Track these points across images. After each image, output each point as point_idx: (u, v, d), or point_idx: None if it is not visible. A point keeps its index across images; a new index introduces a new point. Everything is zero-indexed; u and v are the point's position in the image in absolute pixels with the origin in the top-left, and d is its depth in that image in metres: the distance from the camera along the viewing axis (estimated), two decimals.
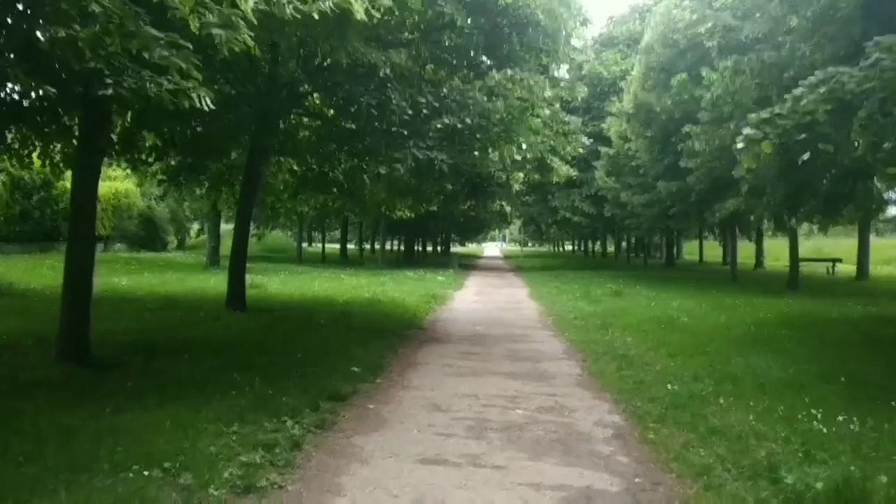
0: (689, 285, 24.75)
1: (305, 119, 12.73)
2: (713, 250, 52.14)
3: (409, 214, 17.81)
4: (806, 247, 55.75)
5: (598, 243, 61.86)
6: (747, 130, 8.65)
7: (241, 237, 13.69)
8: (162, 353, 8.74)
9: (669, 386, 8.10)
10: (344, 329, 11.81)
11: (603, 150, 31.74)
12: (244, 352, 9.26)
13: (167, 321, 11.94)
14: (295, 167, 13.73)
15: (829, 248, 53.34)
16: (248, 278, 20.59)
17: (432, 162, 9.15)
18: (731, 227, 28.74)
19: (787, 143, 8.89)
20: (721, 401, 7.25)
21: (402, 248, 47.71)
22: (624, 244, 62.27)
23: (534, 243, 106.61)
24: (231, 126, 12.21)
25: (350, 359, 9.28)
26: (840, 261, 34.88)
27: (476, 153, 10.48)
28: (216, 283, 18.79)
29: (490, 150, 10.77)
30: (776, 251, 49.42)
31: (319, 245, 69.57)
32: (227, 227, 53.27)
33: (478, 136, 10.13)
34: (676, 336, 12.09)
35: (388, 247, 54.81)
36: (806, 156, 8.81)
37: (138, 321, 11.73)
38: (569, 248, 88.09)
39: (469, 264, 45.69)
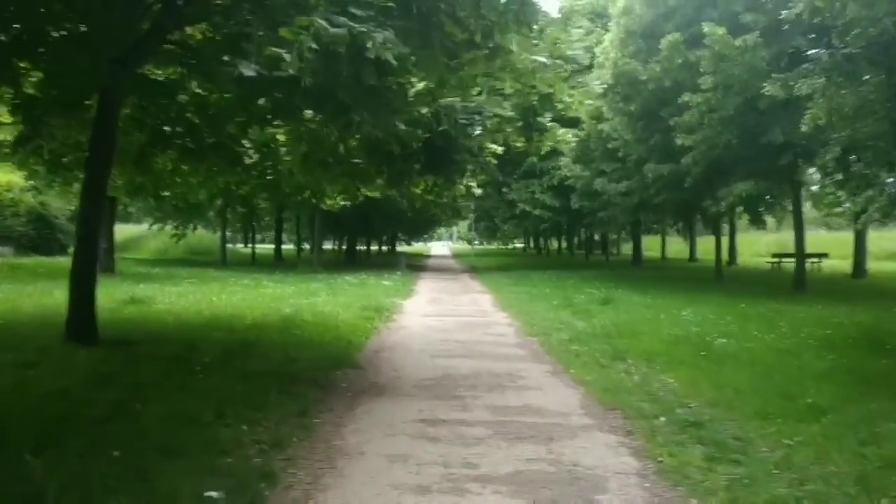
0: (677, 287, 21.07)
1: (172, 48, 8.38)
2: (662, 246, 48.96)
3: (340, 203, 13.48)
4: (768, 242, 53.69)
5: (557, 240, 58.36)
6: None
7: (87, 234, 9.22)
8: None
9: None
10: (233, 377, 7.50)
11: (571, 131, 27.81)
12: (14, 444, 4.90)
13: None
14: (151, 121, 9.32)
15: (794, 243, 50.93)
16: (137, 289, 16.08)
17: (359, 45, 4.61)
18: (718, 220, 25.13)
19: None
20: None
21: (344, 248, 43.14)
22: (575, 241, 58.99)
23: (482, 241, 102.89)
24: (73, 70, 7.91)
25: (216, 454, 5.00)
26: (827, 255, 31.85)
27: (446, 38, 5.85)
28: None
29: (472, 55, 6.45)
30: (708, 247, 46.55)
31: (260, 246, 64.65)
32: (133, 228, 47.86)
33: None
34: (735, 373, 8.21)
35: (327, 247, 50.20)
36: None
37: None
38: (520, 245, 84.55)
39: (418, 265, 41.44)
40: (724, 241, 45.27)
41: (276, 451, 5.19)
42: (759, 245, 52.25)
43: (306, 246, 58.13)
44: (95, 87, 8.76)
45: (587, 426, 6.17)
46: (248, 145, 11.38)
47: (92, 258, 9.30)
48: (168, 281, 19.55)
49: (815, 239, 48.37)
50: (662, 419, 6.32)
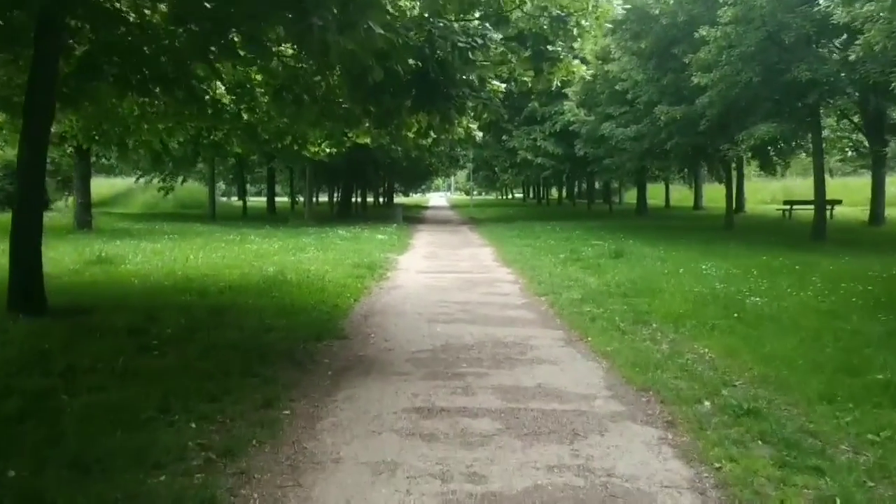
0: (689, 238, 19.84)
1: None
2: (666, 194, 47.51)
3: (325, 150, 12.16)
4: (774, 189, 52.35)
5: (558, 190, 57.00)
6: None
7: (28, 187, 7.97)
8: None
9: None
10: (193, 354, 6.37)
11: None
12: None
13: None
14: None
15: (801, 189, 49.80)
16: (109, 247, 14.88)
17: None
18: (730, 166, 23.78)
19: None
20: None
21: (338, 200, 41.78)
22: (575, 191, 57.45)
23: (481, 192, 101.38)
24: None
25: (145, 469, 3.87)
26: (840, 202, 30.54)
27: None
28: (57, 255, 12.93)
29: None
30: (713, 195, 45.19)
31: (252, 199, 63.10)
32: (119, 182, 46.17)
33: None
34: (779, 340, 7.09)
35: (321, 199, 48.90)
36: None
37: None
38: (519, 196, 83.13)
39: (415, 217, 40.15)
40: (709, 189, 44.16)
41: (228, 462, 4.06)
42: (764, 192, 51.01)
43: (301, 199, 56.82)
44: (32, 9, 7.44)
45: (617, 415, 5.03)
46: (220, 87, 10.08)
47: (36, 215, 8.07)
48: (147, 237, 18.33)
49: (810, 188, 47.16)
50: (707, 404, 5.19)
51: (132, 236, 18.48)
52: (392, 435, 4.57)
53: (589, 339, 7.54)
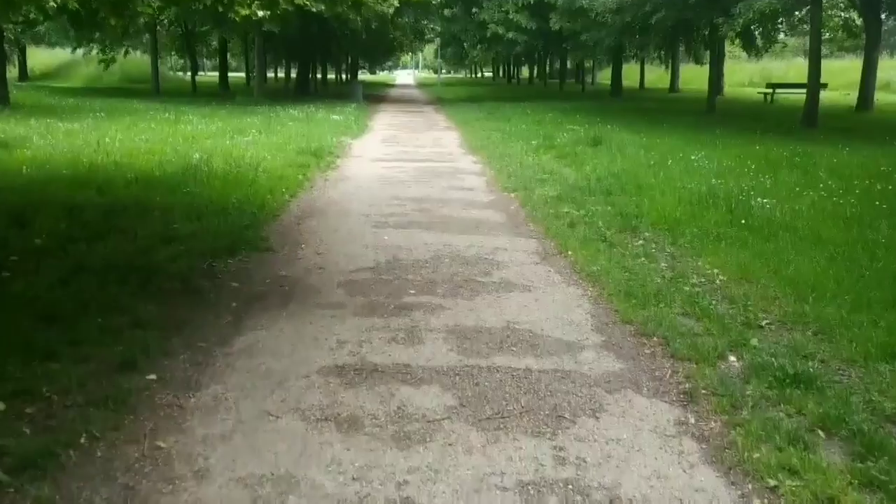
0: (671, 122, 18.32)
1: None
2: (641, 75, 45.31)
3: (258, 14, 10.06)
4: (751, 71, 50.48)
5: (529, 68, 54.35)
6: None
7: None
8: None
9: None
10: (59, 274, 4.84)
11: None
12: None
13: None
14: None
15: (779, 72, 48.06)
16: (16, 127, 12.93)
17: None
18: (715, 43, 21.90)
19: None
20: None
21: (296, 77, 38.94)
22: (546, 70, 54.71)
23: (449, 70, 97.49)
24: None
25: None
26: (825, 86, 28.93)
27: None
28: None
29: None
30: (688, 77, 43.28)
31: (209, 74, 59.33)
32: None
33: None
34: (802, 257, 5.77)
35: (279, 74, 45.94)
36: None
37: None
38: (489, 74, 79.90)
39: (378, 95, 37.77)
40: (707, 70, 42.06)
41: (29, 478, 2.63)
42: (740, 74, 49.17)
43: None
44: None
45: (614, 379, 3.66)
46: None
47: None
48: (70, 115, 16.21)
49: (796, 68, 45.31)
50: (734, 361, 3.85)
51: (53, 114, 16.35)
52: (295, 422, 3.15)
53: (569, 252, 6.12)
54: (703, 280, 5.34)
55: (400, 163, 11.87)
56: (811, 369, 3.65)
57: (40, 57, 50.48)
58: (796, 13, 15.73)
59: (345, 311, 4.61)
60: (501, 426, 3.13)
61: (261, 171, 9.44)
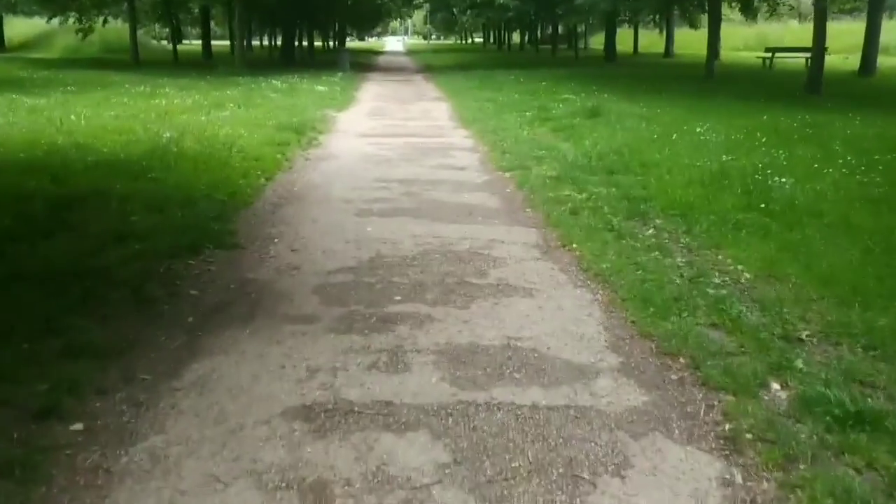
0: (670, 90, 17.62)
1: None
2: (635, 40, 44.26)
3: None
4: (746, 35, 49.46)
5: (520, 34, 53.16)
6: None
7: None
8: None
9: None
10: (1, 280, 4.20)
11: None
12: None
13: None
14: None
15: (775, 36, 47.13)
16: None
17: None
18: (714, 5, 21.03)
19: None
20: None
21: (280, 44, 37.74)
22: (518, 35, 53.47)
23: (439, 36, 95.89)
24: None
25: None
26: (826, 50, 28.13)
27: None
28: None
29: None
30: (682, 41, 42.40)
31: (194, 42, 57.77)
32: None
33: None
34: (834, 249, 5.25)
35: (264, 43, 44.68)
36: None
37: None
38: (479, 40, 78.49)
39: (367, 63, 36.76)
40: (705, 34, 41.04)
41: None
42: (735, 38, 48.02)
43: (247, 42, 51.97)
44: None
45: (639, 417, 3.05)
46: None
47: None
48: (39, 90, 15.34)
49: (792, 32, 44.33)
50: (777, 390, 3.24)
51: (20, 88, 15.49)
52: (248, 490, 2.52)
53: (573, 245, 5.48)
54: (726, 279, 4.71)
55: (387, 138, 11.16)
56: (875, 403, 3.05)
57: (19, 27, 48.95)
58: None
59: (318, 327, 3.97)
60: (506, 494, 2.52)
61: (235, 152, 8.74)
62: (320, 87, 18.29)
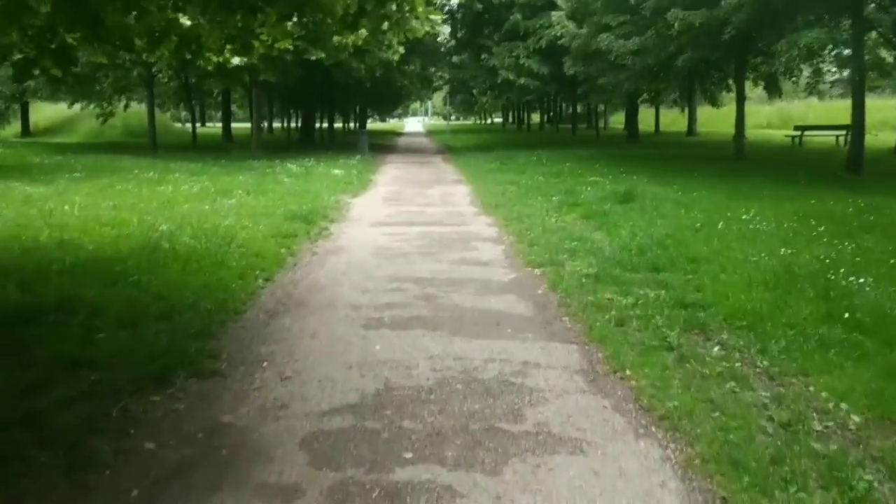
0: (702, 171, 16.74)
1: None
2: (656, 119, 44.04)
3: (234, 62, 8.66)
4: (769, 113, 49.02)
5: (540, 113, 53.20)
6: None
7: None
8: None
9: None
10: None
11: None
12: None
13: None
14: None
15: (797, 113, 46.70)
16: None
17: None
18: (742, 84, 20.43)
19: None
20: None
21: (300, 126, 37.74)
22: (538, 115, 53.44)
23: (458, 116, 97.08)
24: None
25: None
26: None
27: None
28: None
29: None
30: (703, 119, 42.20)
31: (214, 125, 58.54)
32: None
33: None
34: None
35: (290, 125, 44.89)
36: None
37: None
38: (499, 120, 79.18)
39: (386, 145, 36.61)
40: (726, 112, 40.57)
41: None
42: (757, 116, 47.52)
43: (265, 125, 52.44)
44: None
45: None
46: None
47: None
48: (44, 177, 14.80)
49: (812, 109, 43.80)
50: None
51: (24, 175, 14.98)
52: None
53: (627, 371, 4.47)
54: (830, 425, 3.67)
55: (404, 227, 10.32)
56: None
57: (46, 112, 49.83)
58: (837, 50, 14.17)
59: None
60: None
61: (235, 247, 7.88)
62: (337, 171, 17.68)
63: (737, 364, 4.55)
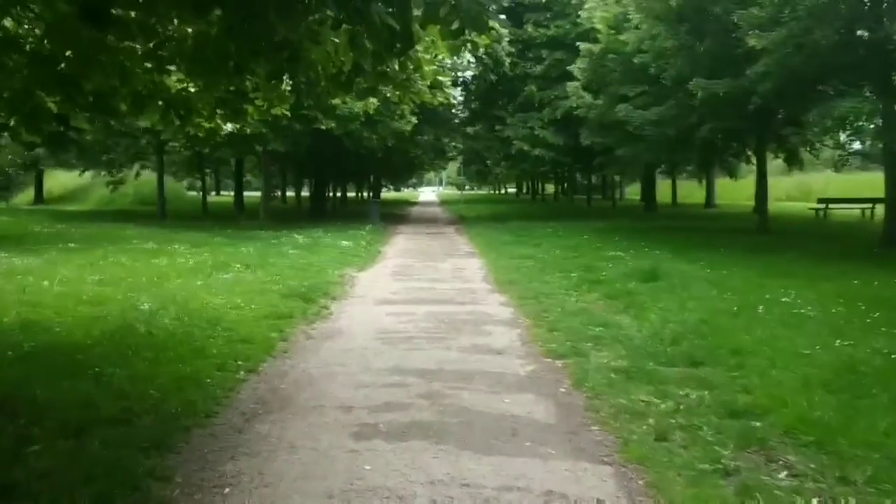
0: (728, 246, 15.90)
1: None
2: (673, 190, 43.54)
3: (225, 128, 8.01)
4: (787, 186, 48.30)
5: (554, 184, 52.94)
6: None
7: None
8: None
9: None
10: None
11: (582, 46, 22.08)
12: None
13: None
14: None
15: (818, 185, 46.11)
16: None
17: None
18: (764, 155, 19.77)
19: None
20: None
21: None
22: (552, 185, 53.11)
23: (472, 186, 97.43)
24: None
25: None
26: (881, 201, 26.60)
27: None
28: None
29: None
30: (721, 190, 41.70)
31: (229, 193, 58.62)
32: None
33: None
34: None
35: (304, 194, 44.71)
36: None
37: None
38: (513, 190, 79.16)
39: (399, 214, 36.14)
40: (743, 184, 40.02)
41: None
42: (776, 189, 46.57)
43: (279, 193, 52.34)
44: None
45: None
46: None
47: None
48: (38, 247, 14.16)
49: (831, 181, 43.12)
50: None
51: (16, 246, 14.36)
52: None
53: None
54: None
55: (411, 306, 9.50)
56: None
57: (61, 179, 50.13)
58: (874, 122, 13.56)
59: None
60: None
61: (220, 330, 7.08)
62: (345, 242, 17.01)
63: (815, 501, 3.63)
